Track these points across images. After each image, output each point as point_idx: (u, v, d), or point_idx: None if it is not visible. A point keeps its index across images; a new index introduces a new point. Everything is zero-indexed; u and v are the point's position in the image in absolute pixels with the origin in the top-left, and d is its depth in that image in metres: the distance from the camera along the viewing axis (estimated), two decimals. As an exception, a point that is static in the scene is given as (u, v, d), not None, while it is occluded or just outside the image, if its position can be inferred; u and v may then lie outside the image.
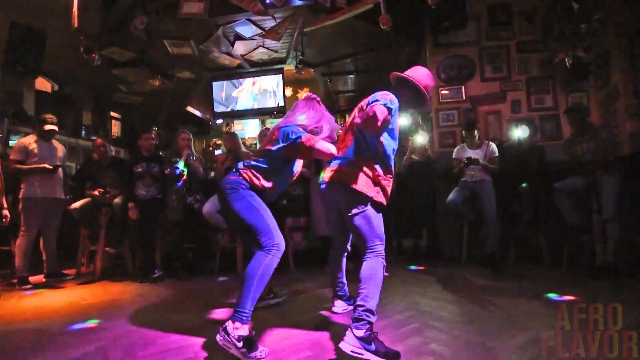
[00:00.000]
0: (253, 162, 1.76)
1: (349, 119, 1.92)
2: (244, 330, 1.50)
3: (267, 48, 4.82)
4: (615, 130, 3.43)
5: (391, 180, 1.75)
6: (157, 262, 3.33)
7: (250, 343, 1.50)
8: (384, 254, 1.67)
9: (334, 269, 2.13)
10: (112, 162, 3.71)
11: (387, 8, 3.43)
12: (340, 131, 1.97)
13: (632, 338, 1.46)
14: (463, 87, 3.99)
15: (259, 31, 4.30)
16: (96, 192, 3.41)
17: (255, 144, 5.79)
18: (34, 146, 3.24)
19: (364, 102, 1.76)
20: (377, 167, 1.69)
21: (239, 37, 4.47)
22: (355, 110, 1.83)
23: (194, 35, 4.37)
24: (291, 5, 3.81)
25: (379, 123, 1.40)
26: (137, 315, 2.20)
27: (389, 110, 1.54)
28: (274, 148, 1.73)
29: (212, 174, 3.73)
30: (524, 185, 3.32)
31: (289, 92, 6.28)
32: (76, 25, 3.61)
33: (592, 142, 2.98)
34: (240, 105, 5.81)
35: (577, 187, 2.99)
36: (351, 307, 2.00)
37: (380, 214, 1.70)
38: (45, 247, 3.33)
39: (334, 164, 1.76)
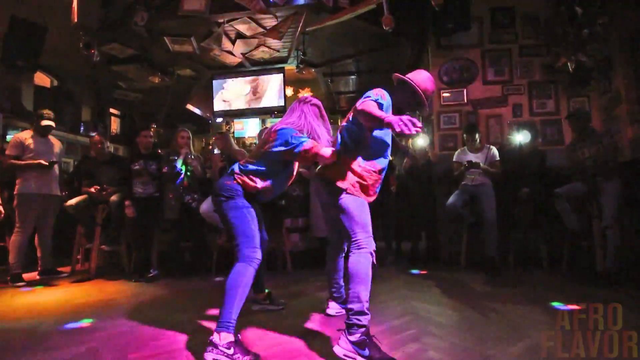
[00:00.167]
0: (251, 167, 1.74)
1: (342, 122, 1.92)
2: (230, 337, 1.49)
3: (269, 47, 4.79)
4: (617, 136, 3.41)
5: (376, 174, 1.70)
6: (153, 262, 3.30)
7: (241, 348, 1.48)
8: (369, 247, 1.58)
9: (331, 269, 2.09)
10: (110, 159, 3.68)
11: (389, 9, 3.40)
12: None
13: (632, 338, 1.46)
14: (465, 90, 3.97)
15: (261, 30, 4.27)
16: (92, 189, 3.38)
17: (255, 144, 5.76)
18: (30, 142, 3.21)
19: (358, 102, 1.75)
20: (360, 158, 1.66)
21: (240, 36, 4.44)
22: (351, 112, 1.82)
23: (195, 33, 4.33)
24: (293, 4, 3.78)
25: (369, 113, 1.48)
26: (131, 315, 2.16)
27: (379, 105, 1.57)
28: (272, 151, 1.72)
29: (209, 174, 3.70)
30: (524, 189, 3.29)
31: (289, 91, 6.25)
32: (75, 20, 3.58)
33: (593, 147, 2.96)
34: (241, 104, 5.77)
35: (578, 193, 2.97)
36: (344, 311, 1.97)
37: (364, 204, 1.64)
38: (41, 243, 3.29)
39: None
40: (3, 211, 3.01)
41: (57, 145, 3.43)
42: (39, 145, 3.25)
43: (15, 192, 3.15)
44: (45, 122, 3.25)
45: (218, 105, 5.81)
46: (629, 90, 3.44)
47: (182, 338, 1.75)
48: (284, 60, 5.29)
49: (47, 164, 3.16)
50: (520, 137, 3.53)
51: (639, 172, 2.99)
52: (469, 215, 3.38)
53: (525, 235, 3.39)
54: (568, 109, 3.76)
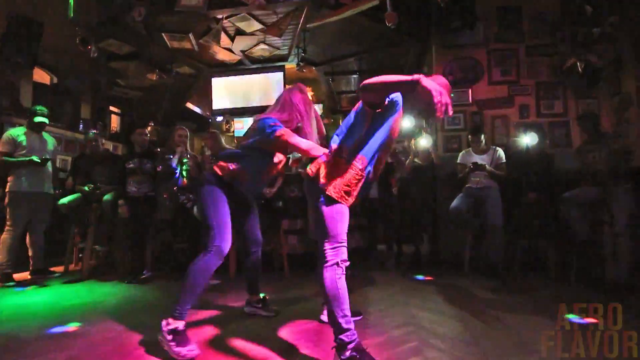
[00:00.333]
0: (227, 152, 1.79)
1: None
2: (176, 324, 1.54)
3: (269, 44, 4.70)
4: (626, 139, 3.29)
5: (361, 172, 1.49)
6: (147, 262, 3.21)
7: (180, 337, 1.50)
8: (335, 258, 1.44)
9: None
10: (105, 157, 3.61)
11: (393, 6, 3.30)
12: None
13: (632, 338, 1.45)
14: (470, 90, 3.86)
15: (260, 26, 4.18)
16: (86, 188, 3.30)
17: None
18: (22, 138, 3.14)
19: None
20: (349, 155, 1.48)
21: (240, 32, 4.35)
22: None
23: (194, 29, 4.25)
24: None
25: (391, 82, 1.32)
26: (119, 319, 2.07)
27: (394, 102, 1.47)
28: (250, 140, 1.75)
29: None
30: (530, 194, 3.18)
31: (290, 90, 6.14)
32: (72, 15, 3.51)
33: (604, 151, 2.85)
34: (240, 103, 5.69)
35: (588, 198, 2.85)
36: None
37: (340, 209, 1.46)
38: (32, 243, 3.21)
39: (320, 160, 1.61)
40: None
41: (51, 142, 3.36)
42: (32, 142, 3.17)
43: (6, 190, 3.08)
44: (38, 119, 3.18)
45: (217, 103, 5.72)
46: (640, 92, 3.33)
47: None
48: (284, 58, 5.19)
49: (39, 160, 3.08)
50: (527, 139, 3.41)
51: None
52: (475, 222, 3.25)
53: (532, 241, 3.27)
54: (577, 111, 3.65)
